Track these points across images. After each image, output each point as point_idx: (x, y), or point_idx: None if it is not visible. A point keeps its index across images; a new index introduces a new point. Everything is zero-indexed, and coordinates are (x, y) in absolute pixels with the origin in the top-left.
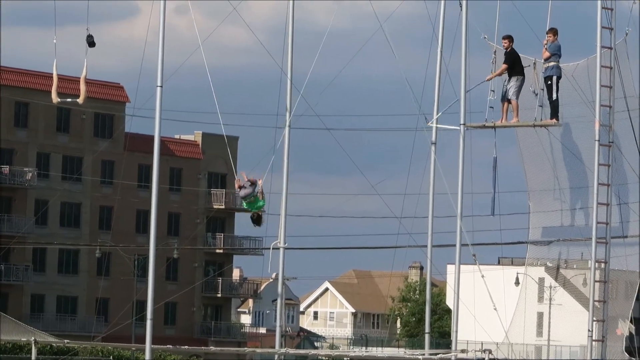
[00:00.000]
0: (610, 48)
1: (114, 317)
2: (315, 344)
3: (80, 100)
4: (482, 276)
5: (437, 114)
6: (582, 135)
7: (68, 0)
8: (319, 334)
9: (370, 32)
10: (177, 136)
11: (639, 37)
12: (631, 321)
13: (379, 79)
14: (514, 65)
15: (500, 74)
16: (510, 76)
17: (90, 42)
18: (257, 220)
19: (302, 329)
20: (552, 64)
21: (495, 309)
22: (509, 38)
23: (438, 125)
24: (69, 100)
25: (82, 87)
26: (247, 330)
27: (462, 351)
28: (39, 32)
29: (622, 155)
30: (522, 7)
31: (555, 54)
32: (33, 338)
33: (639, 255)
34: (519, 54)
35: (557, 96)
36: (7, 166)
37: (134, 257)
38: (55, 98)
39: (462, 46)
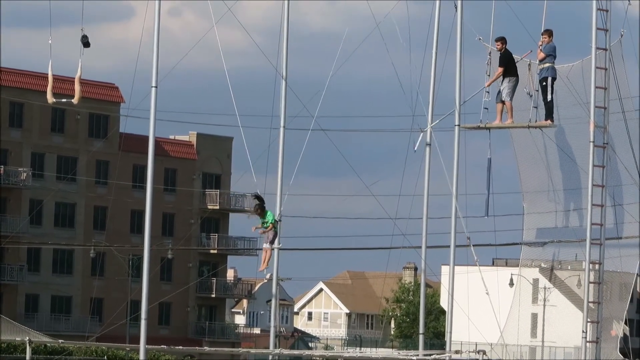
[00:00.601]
0: (605, 49)
1: (109, 317)
2: (310, 344)
3: (75, 100)
4: (476, 260)
5: (431, 122)
6: (576, 137)
7: (63, 0)
8: (313, 334)
9: (365, 34)
10: (171, 137)
11: (639, 38)
12: (625, 322)
13: (375, 80)
14: (507, 67)
15: (497, 79)
16: (503, 77)
17: (85, 43)
18: (259, 209)
19: (296, 330)
20: (547, 65)
21: (487, 292)
22: (502, 40)
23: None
24: (64, 100)
25: (77, 87)
26: (242, 331)
27: (456, 352)
28: (34, 33)
29: (616, 156)
30: (516, 8)
31: (550, 55)
32: (27, 338)
33: (638, 256)
34: (513, 55)
35: (552, 97)
36: (2, 166)
37: (128, 257)
38: (50, 98)
39: (457, 48)
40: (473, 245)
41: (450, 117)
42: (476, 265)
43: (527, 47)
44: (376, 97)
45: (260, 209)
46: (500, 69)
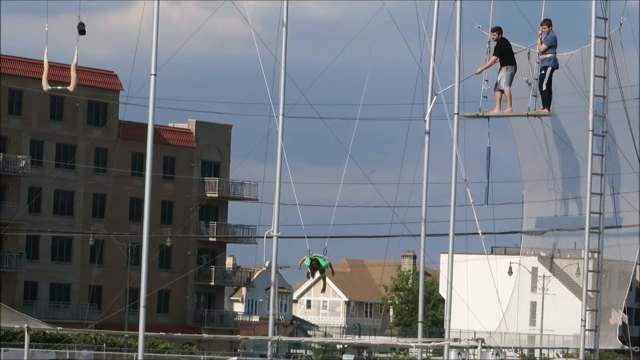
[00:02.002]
0: (605, 38)
1: (107, 305)
2: (308, 332)
3: (70, 87)
4: (474, 218)
5: (430, 112)
6: (576, 125)
7: None
8: (312, 322)
9: (365, 22)
10: (170, 124)
11: (639, 26)
12: (624, 311)
13: (374, 68)
14: (503, 56)
15: (490, 66)
16: (501, 66)
17: (81, 30)
18: (313, 268)
19: (295, 318)
20: (549, 55)
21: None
22: (498, 30)
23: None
24: (60, 87)
25: (73, 74)
26: (240, 319)
27: (455, 340)
28: (34, 20)
29: (616, 145)
30: None
31: (552, 45)
32: (26, 325)
33: (638, 245)
34: (511, 44)
35: (546, 87)
36: (1, 154)
37: (127, 245)
38: (45, 86)
39: (457, 36)
40: (471, 234)
41: (450, 106)
42: (474, 254)
43: (527, 36)
44: (377, 84)
45: (316, 265)
46: (494, 58)
